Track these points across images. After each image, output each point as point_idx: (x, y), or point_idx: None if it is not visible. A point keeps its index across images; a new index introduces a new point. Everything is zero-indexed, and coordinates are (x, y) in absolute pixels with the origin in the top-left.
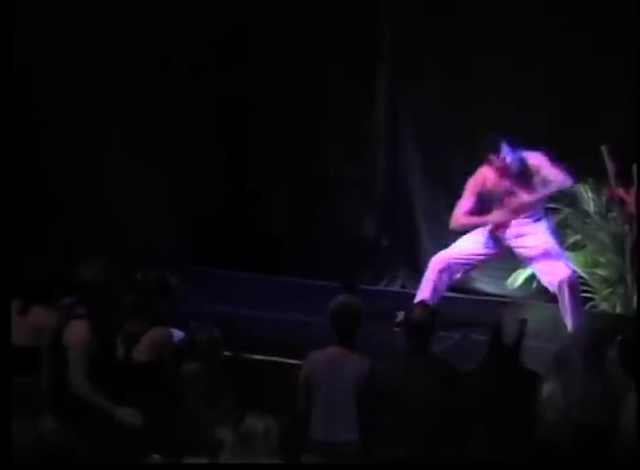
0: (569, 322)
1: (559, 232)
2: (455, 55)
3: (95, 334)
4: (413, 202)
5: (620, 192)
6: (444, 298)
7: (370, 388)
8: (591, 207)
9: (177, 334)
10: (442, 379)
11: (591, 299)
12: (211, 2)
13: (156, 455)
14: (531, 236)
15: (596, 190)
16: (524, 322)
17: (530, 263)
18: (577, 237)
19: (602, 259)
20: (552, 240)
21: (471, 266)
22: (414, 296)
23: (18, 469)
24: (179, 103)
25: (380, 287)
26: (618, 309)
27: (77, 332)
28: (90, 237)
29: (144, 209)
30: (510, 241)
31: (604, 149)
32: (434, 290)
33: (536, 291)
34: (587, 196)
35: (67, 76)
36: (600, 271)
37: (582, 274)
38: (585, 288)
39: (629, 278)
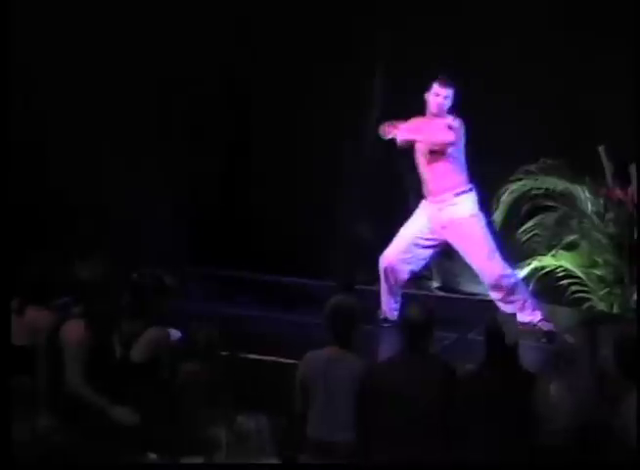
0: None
1: (555, 230)
2: (455, 55)
3: (92, 333)
4: (410, 202)
5: (618, 192)
6: (441, 298)
7: (367, 388)
8: (588, 207)
9: (175, 334)
10: (440, 379)
11: (588, 299)
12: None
13: (152, 454)
14: (462, 227)
15: (593, 190)
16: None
17: (467, 258)
18: (574, 236)
19: (599, 259)
20: (484, 233)
21: (418, 258)
22: (410, 296)
23: (15, 467)
24: (178, 105)
25: (376, 287)
26: (616, 310)
27: (74, 331)
28: (87, 237)
29: (141, 209)
30: (441, 223)
31: (601, 149)
32: (391, 289)
33: (533, 292)
34: (584, 196)
35: (68, 81)
36: (597, 271)
37: (579, 274)
38: (582, 288)
39: (627, 278)
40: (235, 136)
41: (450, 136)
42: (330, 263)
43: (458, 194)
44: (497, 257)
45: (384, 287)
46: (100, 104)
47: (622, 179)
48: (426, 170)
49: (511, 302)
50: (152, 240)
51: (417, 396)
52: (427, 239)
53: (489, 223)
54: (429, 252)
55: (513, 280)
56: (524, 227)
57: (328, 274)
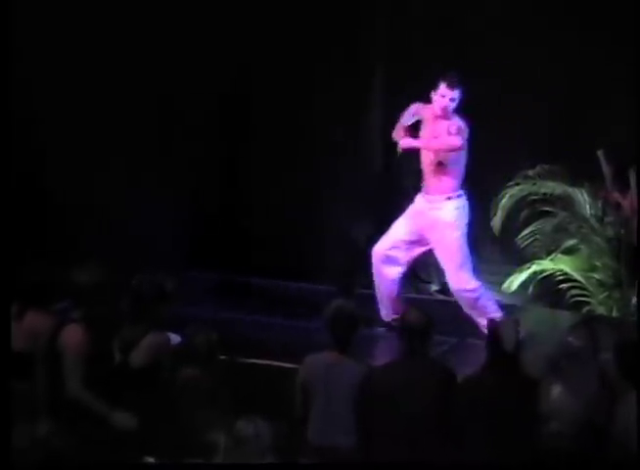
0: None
1: (554, 236)
2: (454, 56)
3: (90, 338)
4: (409, 204)
5: (617, 196)
6: (441, 301)
7: (367, 392)
8: (587, 210)
9: (175, 338)
10: (440, 383)
11: (587, 303)
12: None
13: (150, 459)
14: (442, 231)
15: (592, 194)
16: (517, 322)
17: (441, 262)
18: (573, 241)
19: (598, 263)
20: (460, 242)
21: (405, 257)
22: (410, 299)
23: None
24: (177, 108)
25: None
26: (615, 313)
27: (72, 336)
28: (86, 242)
29: (140, 214)
30: (427, 222)
31: (600, 153)
32: (388, 282)
33: (532, 296)
34: (583, 199)
35: (67, 85)
36: (596, 275)
37: (578, 278)
38: (582, 292)
39: (625, 282)
40: (235, 139)
41: (457, 141)
42: (330, 267)
43: (449, 198)
44: (467, 269)
45: (382, 284)
46: (99, 106)
47: (621, 183)
48: (426, 168)
49: (473, 309)
50: (150, 244)
51: (416, 399)
52: (413, 239)
53: (469, 234)
54: (416, 252)
55: (476, 295)
56: (523, 233)
57: (328, 278)
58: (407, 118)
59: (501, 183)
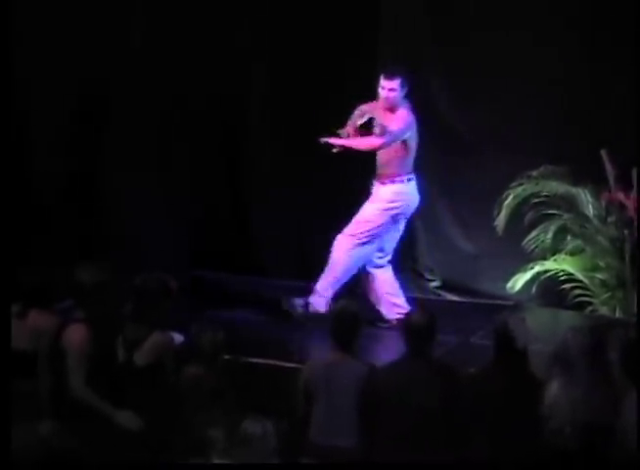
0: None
1: (558, 236)
2: (455, 55)
3: (94, 337)
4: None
5: (620, 196)
6: (444, 301)
7: (370, 393)
8: (590, 211)
9: (178, 338)
10: (444, 382)
11: (590, 303)
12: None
13: None
14: (367, 209)
15: (595, 194)
16: (524, 320)
17: None
18: (577, 241)
19: (601, 263)
20: (372, 224)
21: (370, 238)
22: (413, 299)
23: None
24: (179, 108)
25: None
26: (618, 313)
27: (76, 335)
28: (90, 242)
29: (144, 214)
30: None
31: (603, 153)
32: (345, 270)
33: (536, 294)
34: (587, 200)
35: (69, 88)
36: (599, 275)
37: (582, 278)
38: (585, 292)
39: (629, 282)
40: (237, 139)
41: (376, 143)
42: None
43: (392, 181)
44: (356, 254)
45: (337, 269)
46: (100, 106)
47: (625, 183)
48: (377, 157)
49: None
50: (153, 243)
51: (420, 399)
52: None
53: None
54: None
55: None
56: (528, 238)
57: None
58: (357, 119)
59: (504, 183)
